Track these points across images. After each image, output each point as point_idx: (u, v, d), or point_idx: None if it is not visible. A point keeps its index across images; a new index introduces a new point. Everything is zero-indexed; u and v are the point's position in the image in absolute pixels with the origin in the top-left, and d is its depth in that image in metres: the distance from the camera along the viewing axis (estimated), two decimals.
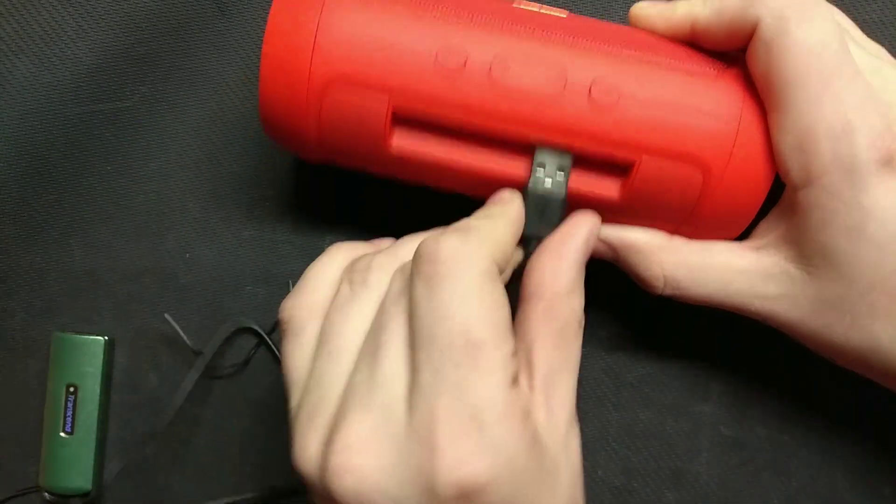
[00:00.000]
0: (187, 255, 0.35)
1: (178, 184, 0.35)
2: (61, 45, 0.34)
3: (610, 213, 0.29)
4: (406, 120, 0.28)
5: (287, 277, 0.35)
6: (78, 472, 0.34)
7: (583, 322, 0.26)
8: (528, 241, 0.27)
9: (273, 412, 0.35)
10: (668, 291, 0.29)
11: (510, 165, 0.28)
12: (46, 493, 0.34)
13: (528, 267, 0.26)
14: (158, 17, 0.34)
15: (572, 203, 0.29)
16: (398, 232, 0.35)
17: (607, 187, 0.28)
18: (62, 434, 0.34)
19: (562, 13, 0.28)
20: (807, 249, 0.26)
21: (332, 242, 0.35)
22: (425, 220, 0.35)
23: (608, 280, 0.32)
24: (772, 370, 0.34)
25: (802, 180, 0.26)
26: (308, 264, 0.35)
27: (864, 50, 0.27)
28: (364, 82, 0.26)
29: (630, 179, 0.27)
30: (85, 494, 0.34)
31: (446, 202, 0.33)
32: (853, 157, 0.24)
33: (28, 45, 0.34)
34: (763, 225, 0.29)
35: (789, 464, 0.34)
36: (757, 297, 0.28)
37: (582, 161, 0.28)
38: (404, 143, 0.28)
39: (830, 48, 0.25)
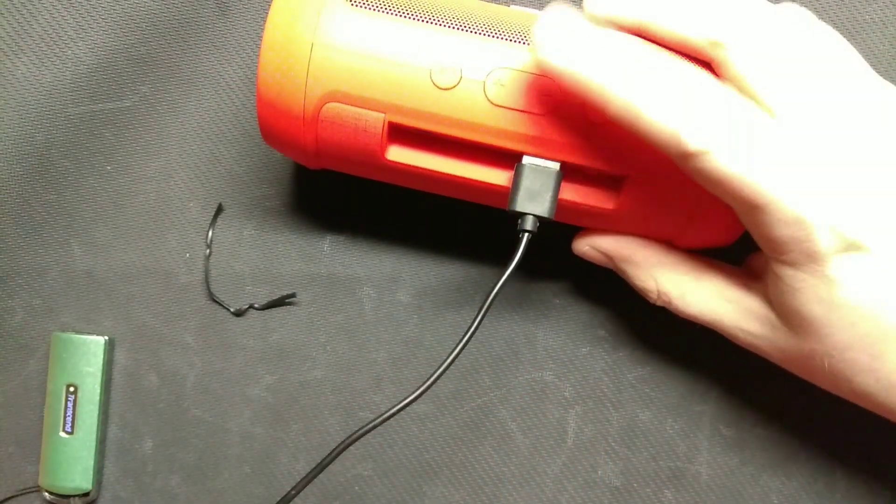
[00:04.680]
0: (187, 255, 0.35)
1: (178, 184, 0.35)
2: (61, 45, 0.34)
3: (606, 221, 0.29)
4: (401, 134, 0.28)
5: (287, 277, 0.35)
6: (78, 472, 0.34)
7: None
8: (522, 218, 0.27)
9: (273, 412, 0.35)
10: (660, 303, 0.30)
11: (504, 176, 0.28)
12: (46, 493, 0.34)
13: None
14: (158, 17, 0.34)
15: (566, 210, 0.29)
16: (398, 231, 0.35)
17: (601, 198, 0.28)
18: (62, 434, 0.34)
19: None
20: (782, 309, 0.26)
21: (332, 242, 0.35)
22: (425, 221, 0.35)
23: (608, 280, 0.32)
24: (771, 370, 0.34)
25: (770, 255, 0.25)
26: (308, 264, 0.35)
27: (865, 89, 0.25)
28: (359, 100, 0.26)
29: (623, 191, 0.27)
30: (85, 494, 0.34)
31: (445, 203, 0.33)
32: (813, 248, 0.24)
33: (28, 45, 0.34)
34: (754, 262, 0.29)
35: (789, 464, 0.34)
36: (741, 331, 0.28)
37: (576, 172, 0.28)
38: (400, 156, 0.28)
39: (776, 164, 0.23)
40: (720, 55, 0.24)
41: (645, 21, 0.25)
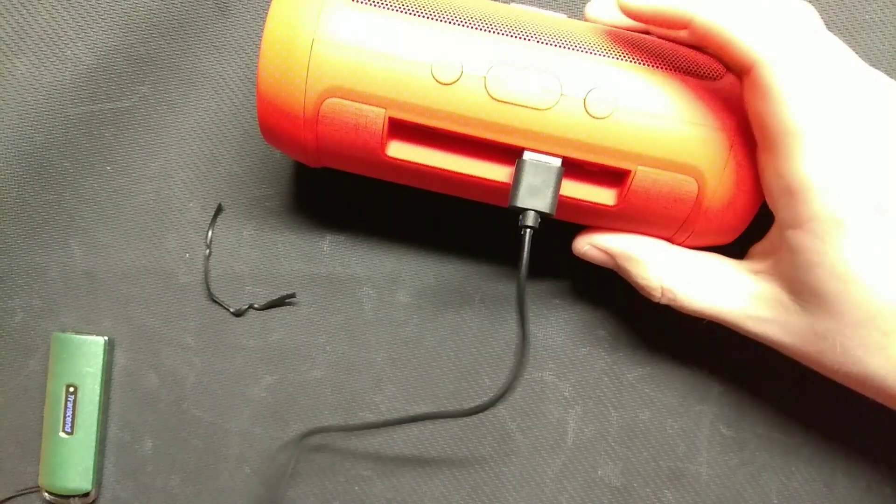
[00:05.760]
0: (187, 255, 0.35)
1: (177, 184, 0.35)
2: (61, 45, 0.34)
3: (606, 219, 0.29)
4: (402, 130, 0.28)
5: (287, 277, 0.35)
6: (78, 472, 0.34)
7: None
8: (524, 214, 0.27)
9: (273, 412, 0.35)
10: (664, 301, 0.30)
11: (505, 173, 0.28)
12: (46, 493, 0.34)
13: None
14: (158, 17, 0.34)
15: (567, 207, 0.29)
16: (398, 232, 0.35)
17: (602, 194, 0.28)
18: (62, 434, 0.34)
19: (560, 16, 0.28)
20: (796, 286, 0.26)
21: (332, 242, 0.35)
22: (424, 221, 0.35)
23: (608, 280, 0.32)
24: (772, 370, 0.34)
25: (790, 222, 0.26)
26: (308, 264, 0.35)
27: (865, 84, 0.26)
28: (360, 95, 0.26)
29: (625, 187, 0.27)
30: (85, 494, 0.34)
31: (445, 203, 0.33)
32: (842, 209, 0.24)
33: (28, 45, 0.34)
34: (759, 248, 0.29)
35: (789, 464, 0.34)
36: (750, 319, 0.28)
37: (577, 168, 0.28)
38: (400, 151, 0.28)
39: (827, 100, 0.24)
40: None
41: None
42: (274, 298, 0.35)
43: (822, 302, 0.25)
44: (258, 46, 0.35)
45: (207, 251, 0.35)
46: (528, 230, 0.26)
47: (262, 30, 0.34)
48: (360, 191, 0.35)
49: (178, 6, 0.34)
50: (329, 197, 0.35)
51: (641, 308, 0.31)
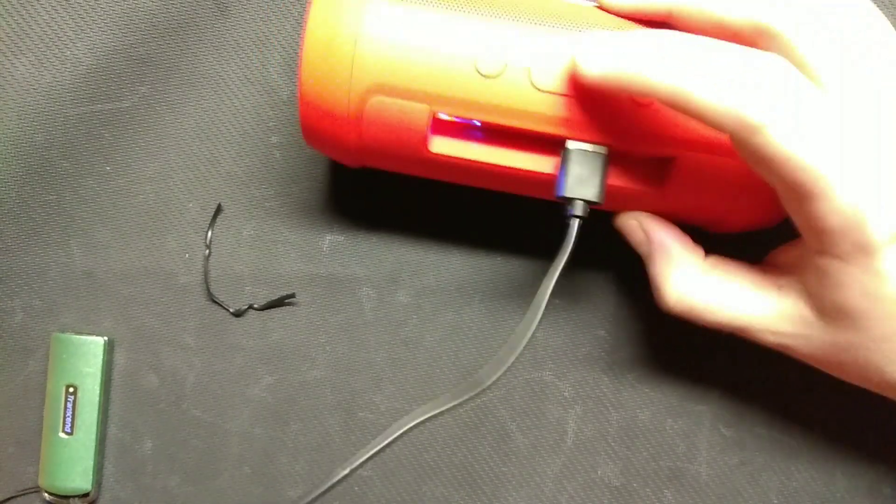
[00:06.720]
0: (187, 255, 0.35)
1: (177, 184, 0.35)
2: (61, 46, 0.34)
3: (651, 204, 0.29)
4: (445, 126, 0.27)
5: (287, 277, 0.35)
6: (78, 472, 0.34)
7: None
8: (572, 203, 0.26)
9: (273, 412, 0.35)
10: (678, 309, 0.29)
11: (548, 164, 0.28)
12: (46, 494, 0.34)
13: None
14: (158, 17, 0.34)
15: (613, 195, 0.28)
16: (398, 231, 0.35)
17: (648, 181, 0.28)
18: (62, 434, 0.34)
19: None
20: (821, 304, 0.26)
21: (331, 242, 0.35)
22: (424, 221, 0.35)
23: (608, 280, 0.32)
24: (772, 370, 0.34)
25: (815, 248, 0.25)
26: (308, 264, 0.35)
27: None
28: (404, 91, 0.26)
29: (670, 173, 0.27)
30: (85, 494, 0.34)
31: (445, 202, 0.33)
32: (865, 238, 0.23)
33: (28, 45, 0.34)
34: (782, 258, 0.29)
35: (789, 464, 0.34)
36: (771, 333, 0.28)
37: (622, 155, 0.27)
38: (443, 147, 0.28)
39: (827, 149, 0.22)
40: (766, 41, 0.24)
41: (676, 5, 0.25)
42: (274, 299, 0.35)
43: (848, 318, 0.25)
44: (258, 46, 0.35)
45: (207, 251, 0.35)
46: (578, 220, 0.26)
47: (262, 30, 0.34)
48: (360, 191, 0.35)
49: (178, 6, 0.34)
50: (328, 197, 0.35)
51: (642, 308, 0.31)
